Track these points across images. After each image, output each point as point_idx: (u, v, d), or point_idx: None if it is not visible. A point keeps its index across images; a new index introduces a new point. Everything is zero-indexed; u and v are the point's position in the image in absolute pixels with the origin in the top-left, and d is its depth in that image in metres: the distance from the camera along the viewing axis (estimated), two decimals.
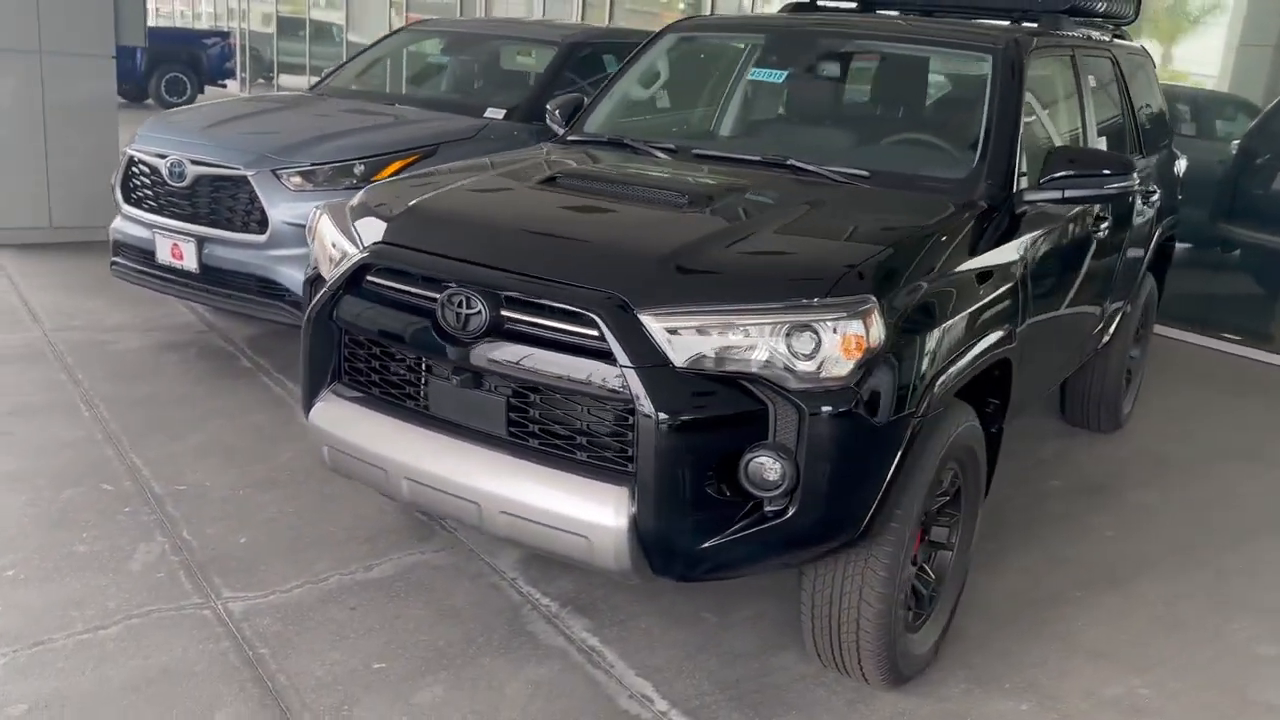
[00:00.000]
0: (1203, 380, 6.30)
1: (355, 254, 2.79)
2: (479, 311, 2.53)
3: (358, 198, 3.13)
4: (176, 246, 4.99)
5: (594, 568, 2.53)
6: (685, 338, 2.39)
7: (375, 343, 2.79)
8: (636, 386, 2.34)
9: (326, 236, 3.00)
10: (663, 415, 2.33)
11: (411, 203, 2.92)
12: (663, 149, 3.59)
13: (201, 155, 4.94)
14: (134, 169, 5.20)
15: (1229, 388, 6.18)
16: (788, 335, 2.39)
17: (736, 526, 2.44)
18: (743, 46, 4.06)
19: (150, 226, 5.09)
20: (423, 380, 2.72)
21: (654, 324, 2.39)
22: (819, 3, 4.59)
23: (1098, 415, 5.03)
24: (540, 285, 2.49)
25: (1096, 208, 3.91)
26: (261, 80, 20.45)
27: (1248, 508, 4.45)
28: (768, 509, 2.43)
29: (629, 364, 2.34)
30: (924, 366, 2.55)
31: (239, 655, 2.87)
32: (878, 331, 2.43)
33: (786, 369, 2.39)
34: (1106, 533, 4.09)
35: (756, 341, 2.39)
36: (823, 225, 2.89)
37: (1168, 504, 4.41)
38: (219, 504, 3.72)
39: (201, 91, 17.43)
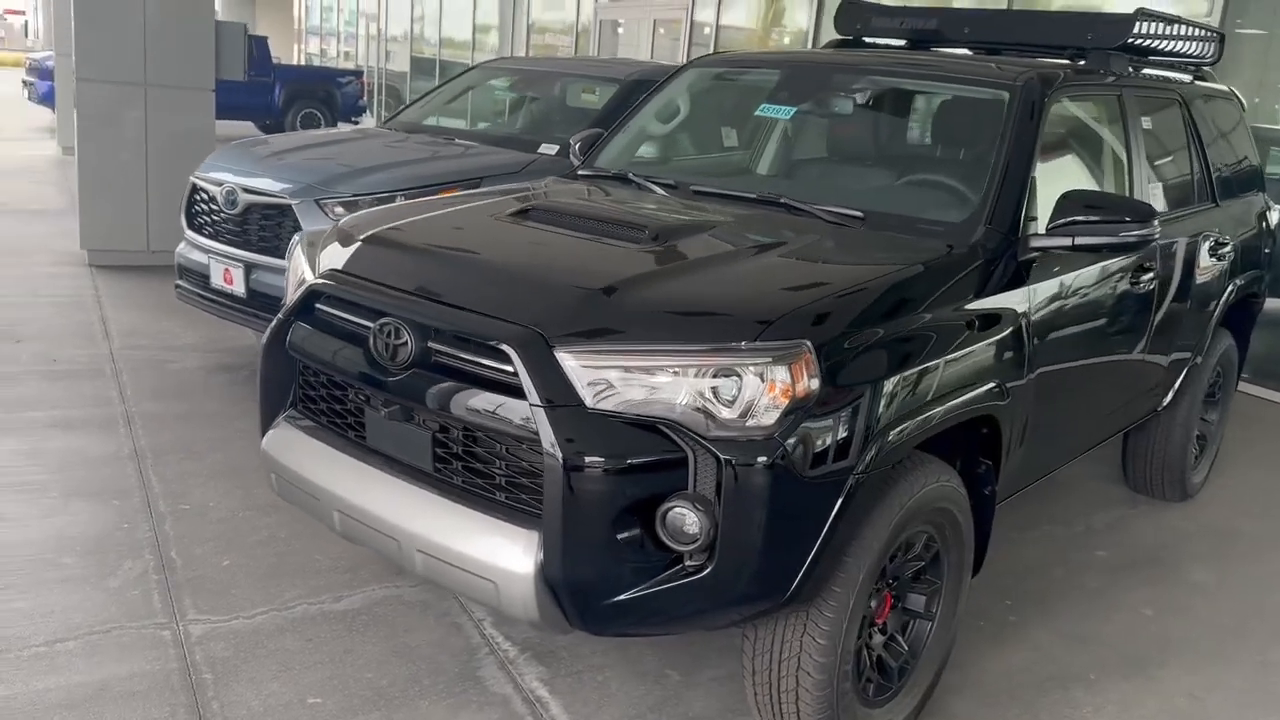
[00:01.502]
0: None
1: (308, 281, 2.78)
2: (405, 343, 2.47)
3: (333, 227, 3.12)
4: (228, 271, 5.13)
5: (507, 613, 2.42)
6: (602, 377, 2.27)
7: (321, 371, 2.76)
8: (544, 426, 2.23)
9: (297, 265, 3.00)
10: (569, 458, 2.21)
11: (368, 233, 2.89)
12: (662, 184, 3.49)
13: (253, 184, 5.08)
14: (196, 195, 5.38)
15: None
16: (711, 379, 2.25)
17: (653, 580, 2.29)
18: (759, 83, 3.93)
19: (207, 251, 5.25)
20: (361, 412, 2.67)
21: (570, 361, 2.28)
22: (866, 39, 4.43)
23: (1162, 482, 4.66)
24: (462, 316, 2.42)
25: (1138, 257, 3.63)
26: None
27: None
28: (688, 563, 2.28)
29: (538, 402, 2.24)
30: (869, 418, 2.36)
31: (181, 679, 2.86)
32: (809, 380, 2.26)
33: (708, 415, 2.24)
34: (1144, 611, 3.75)
35: (678, 385, 2.26)
36: (780, 267, 2.73)
37: (1224, 584, 4.02)
38: (215, 525, 3.75)
39: (335, 127, 18.15)
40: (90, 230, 7.50)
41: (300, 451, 2.78)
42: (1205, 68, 4.78)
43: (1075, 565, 4.07)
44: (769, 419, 2.23)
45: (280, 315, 2.81)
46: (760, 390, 2.24)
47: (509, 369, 2.31)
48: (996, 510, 3.06)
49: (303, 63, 28.75)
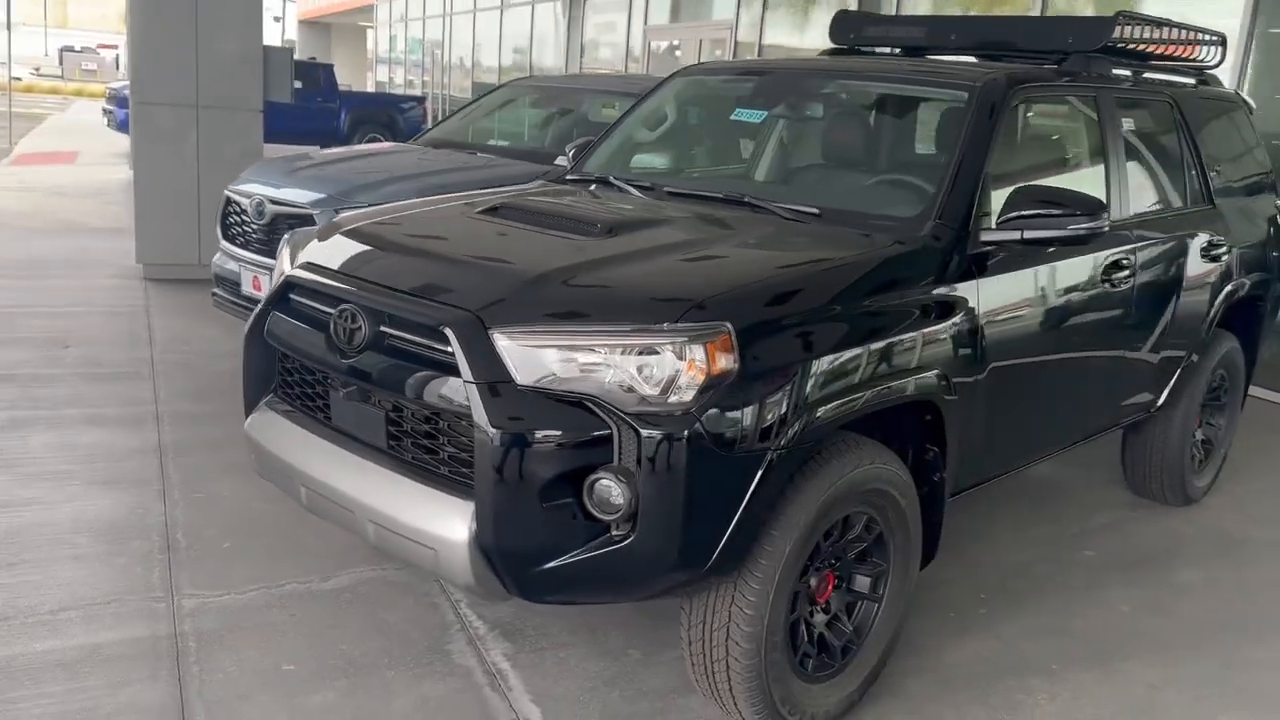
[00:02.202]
0: None
1: (284, 274, 2.98)
2: (360, 327, 2.65)
3: (320, 226, 3.33)
4: (256, 278, 5.39)
5: (448, 579, 2.57)
6: (532, 356, 2.42)
7: (293, 357, 2.95)
8: (475, 402, 2.38)
9: (281, 260, 3.21)
10: (498, 432, 2.36)
11: (342, 229, 3.09)
12: (639, 186, 3.64)
13: (279, 195, 5.35)
14: (229, 208, 5.67)
15: None
16: (635, 358, 2.39)
17: (581, 549, 2.43)
18: (740, 90, 4.06)
19: (238, 260, 5.53)
20: (327, 394, 2.85)
21: (504, 342, 2.43)
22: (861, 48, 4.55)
23: (1161, 486, 4.65)
24: (410, 301, 2.59)
25: (1111, 255, 3.67)
26: None
27: None
28: (614, 533, 2.41)
29: (471, 379, 2.40)
30: (790, 398, 2.47)
31: (168, 646, 3.06)
32: (727, 359, 2.39)
33: (631, 392, 2.38)
34: (1121, 608, 3.77)
35: (603, 363, 2.40)
36: (718, 257, 2.86)
37: (1211, 586, 4.01)
38: (223, 513, 3.97)
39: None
40: (145, 244, 7.89)
41: (276, 432, 2.97)
42: (1209, 71, 4.80)
43: (1060, 564, 4.09)
44: (687, 395, 2.36)
45: (259, 306, 3.01)
46: (679, 368, 2.37)
47: (449, 350, 2.47)
48: (960, 499, 3.13)
49: (373, 89, 29.54)
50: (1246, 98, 5.16)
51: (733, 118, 3.92)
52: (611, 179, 3.74)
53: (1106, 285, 3.67)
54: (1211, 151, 4.55)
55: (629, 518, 2.38)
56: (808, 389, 2.51)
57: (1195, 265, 4.22)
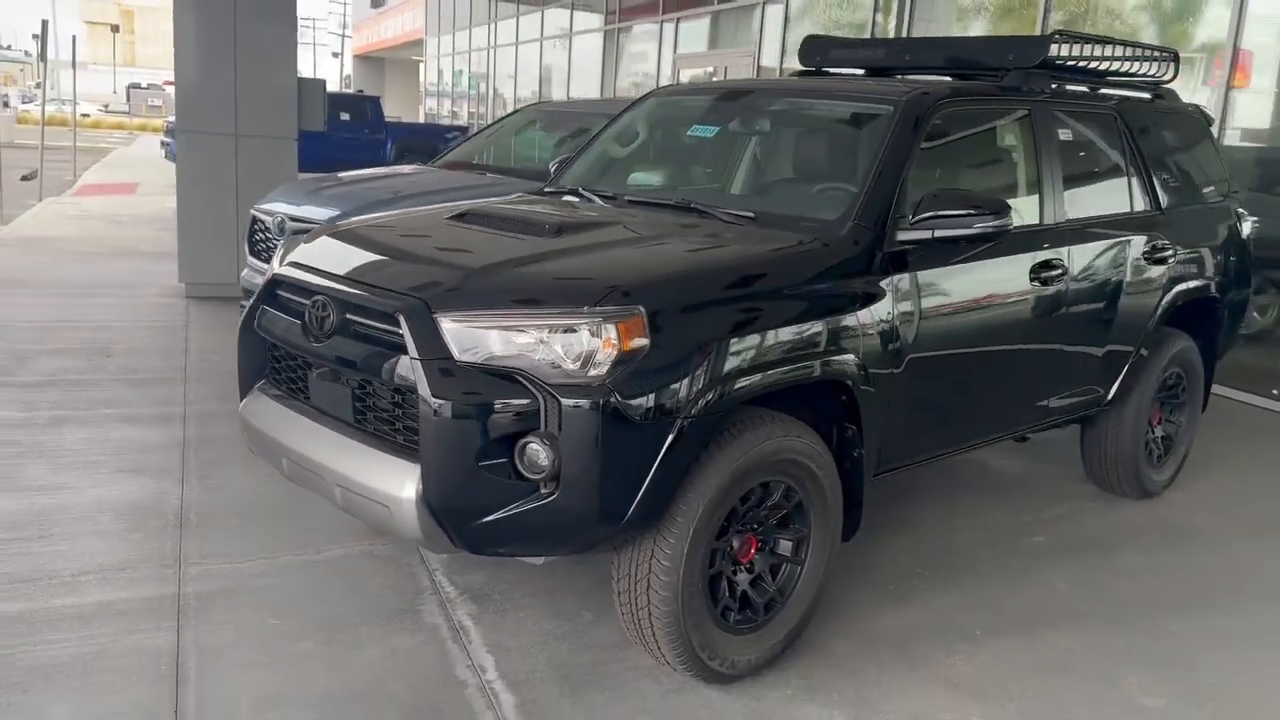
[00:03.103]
0: None
1: (271, 272, 3.38)
2: (329, 315, 3.04)
3: (313, 231, 3.73)
4: None
5: (402, 535, 2.92)
6: (471, 336, 2.78)
7: (278, 344, 3.35)
8: (420, 376, 2.75)
9: (274, 262, 3.61)
10: (438, 401, 2.72)
11: (326, 233, 3.49)
12: (603, 196, 4.01)
13: (298, 213, 5.80)
14: (256, 225, 6.14)
15: None
16: (557, 336, 2.74)
17: (514, 505, 2.77)
18: (700, 108, 4.42)
19: (263, 275, 5.98)
20: (306, 377, 3.24)
21: (447, 324, 2.79)
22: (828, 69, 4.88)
23: (1118, 478, 4.87)
24: (371, 292, 2.97)
25: (1042, 255, 3.95)
26: None
27: (1237, 577, 4.20)
28: (541, 490, 2.75)
29: (417, 356, 2.76)
30: (698, 373, 2.79)
31: (172, 604, 3.45)
32: (639, 338, 2.73)
33: (556, 367, 2.73)
34: (1058, 586, 4.02)
35: (532, 342, 2.75)
36: (647, 252, 3.21)
37: (1151, 570, 4.24)
38: (233, 496, 4.38)
39: None
40: (187, 265, 8.42)
41: (264, 413, 3.37)
42: (1164, 85, 5.06)
43: (1007, 548, 4.34)
44: (602, 369, 2.70)
45: (251, 301, 3.41)
46: (595, 345, 2.71)
47: (401, 332, 2.84)
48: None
49: (423, 120, 30.39)
50: (1205, 110, 5.39)
51: (689, 133, 4.28)
52: (580, 190, 4.11)
53: (1037, 284, 3.94)
54: (1161, 160, 4.80)
55: (554, 477, 2.72)
56: (715, 366, 2.84)
57: (1137, 266, 4.47)
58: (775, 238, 3.32)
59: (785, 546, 3.23)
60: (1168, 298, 4.66)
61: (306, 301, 3.14)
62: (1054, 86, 4.34)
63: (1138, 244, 4.47)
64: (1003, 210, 3.35)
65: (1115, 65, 4.59)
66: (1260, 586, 4.14)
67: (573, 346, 2.73)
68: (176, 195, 8.50)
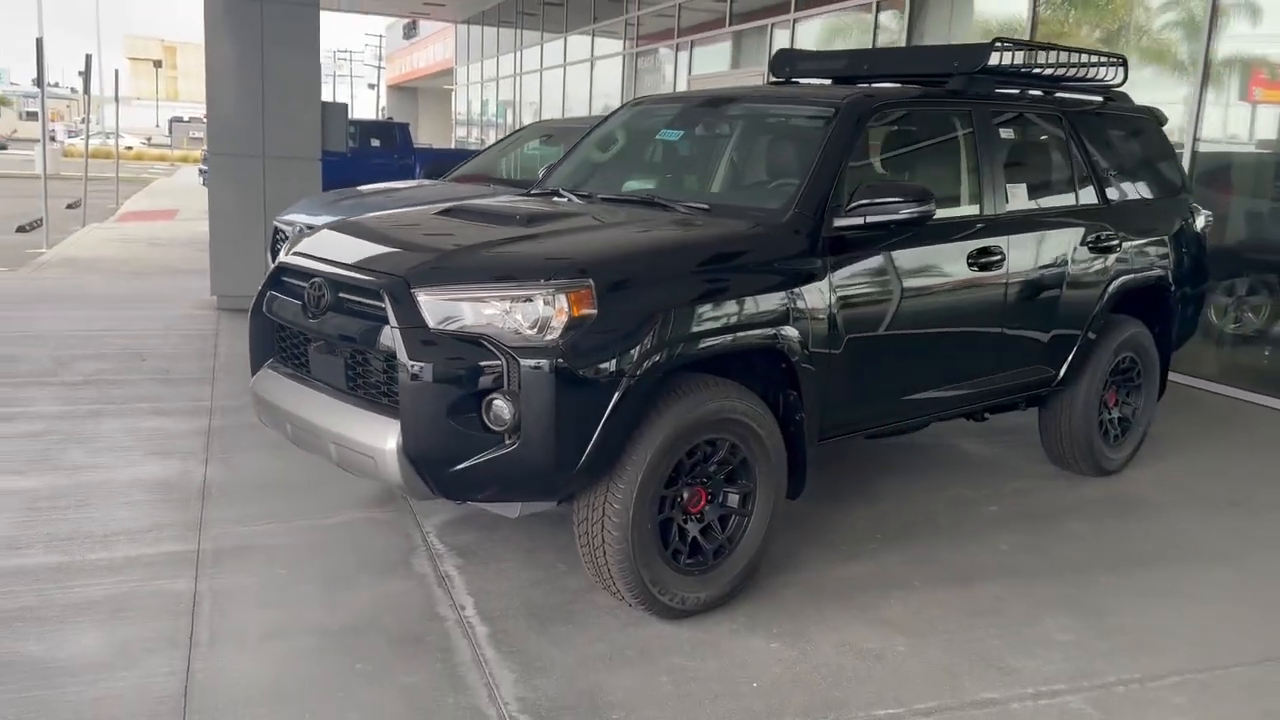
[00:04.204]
0: (1249, 439, 6.19)
1: (278, 262, 3.83)
2: (324, 295, 3.47)
3: (319, 226, 4.18)
4: None
5: (388, 482, 3.34)
6: (444, 307, 3.19)
7: (283, 325, 3.79)
8: (397, 341, 3.16)
9: (281, 254, 4.06)
10: (413, 363, 3.14)
11: (329, 227, 3.94)
12: (580, 195, 4.43)
13: (316, 223, 6.26)
14: (277, 236, 6.63)
15: (1265, 442, 6.08)
16: (517, 306, 3.15)
17: (482, 454, 3.17)
18: (670, 114, 4.84)
19: None
20: (307, 351, 3.68)
21: (424, 297, 3.21)
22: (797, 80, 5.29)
23: (1074, 457, 5.19)
24: (359, 273, 3.40)
25: (981, 243, 4.31)
26: None
27: (1172, 543, 4.51)
28: (506, 441, 3.16)
29: (396, 325, 3.18)
30: (642, 338, 3.17)
31: (193, 558, 3.89)
32: (587, 307, 3.13)
33: (515, 332, 3.14)
34: (1002, 547, 4.35)
35: (496, 311, 3.16)
36: (602, 236, 3.63)
37: (1095, 535, 4.55)
38: (252, 472, 4.82)
39: None
40: (219, 279, 8.95)
41: (271, 386, 3.81)
42: (1115, 89, 5.42)
43: (960, 516, 4.68)
44: (555, 334, 3.11)
45: (260, 287, 3.86)
46: (550, 313, 3.12)
47: (383, 305, 3.26)
48: (832, 443, 3.79)
49: (455, 146, 31.11)
50: (1158, 111, 5.73)
51: (657, 137, 4.70)
52: (560, 190, 4.54)
53: (975, 269, 4.30)
54: (1108, 158, 5.15)
55: (515, 429, 3.13)
56: (657, 333, 3.23)
57: (1080, 255, 4.81)
58: (722, 225, 3.72)
59: (733, 499, 3.61)
60: (1114, 285, 4.99)
61: (306, 284, 3.58)
62: (997, 90, 4.71)
63: (1080, 234, 4.81)
64: (926, 198, 3.72)
65: (1063, 70, 4.96)
66: (1190, 550, 4.44)
67: (530, 314, 3.14)
68: (209, 213, 9.04)
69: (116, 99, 21.06)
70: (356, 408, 3.40)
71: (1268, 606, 3.92)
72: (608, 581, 3.41)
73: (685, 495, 3.49)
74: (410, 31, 40.20)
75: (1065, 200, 4.90)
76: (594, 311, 3.15)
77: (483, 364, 3.14)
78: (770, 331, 3.54)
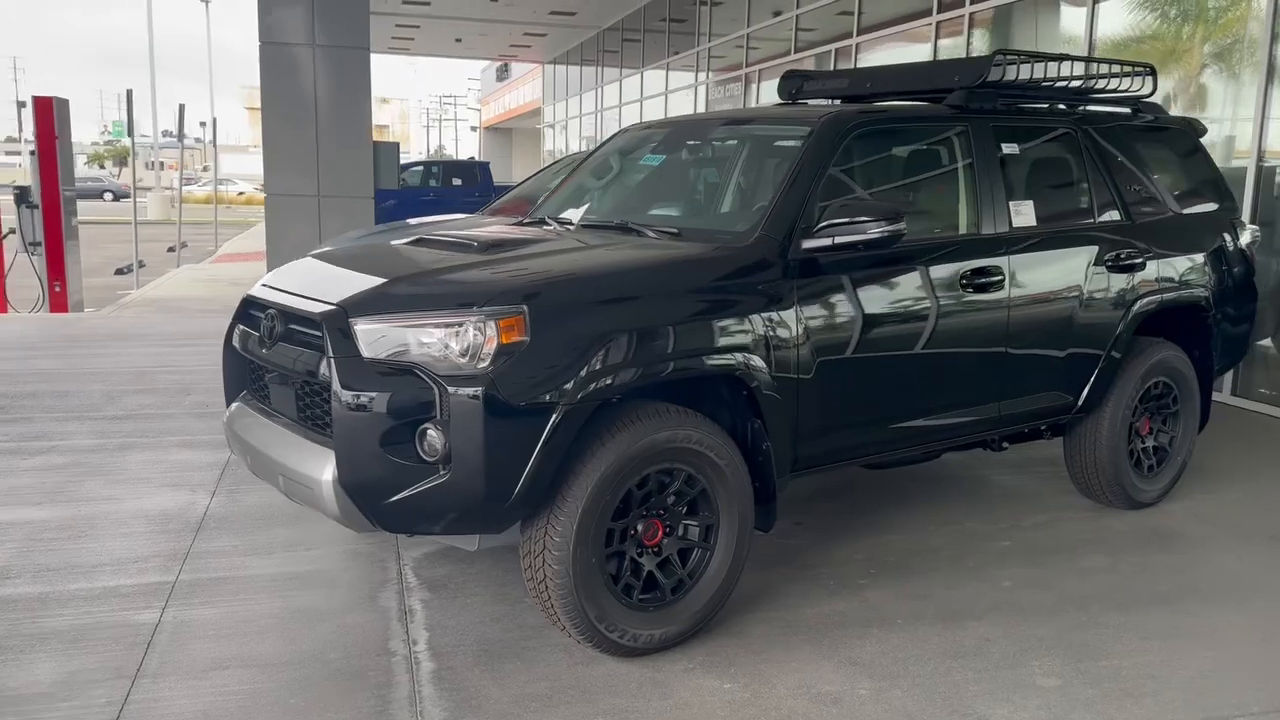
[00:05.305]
0: None
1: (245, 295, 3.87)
2: (275, 325, 3.48)
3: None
4: None
5: (327, 514, 3.30)
6: (379, 336, 3.16)
7: (247, 358, 3.81)
8: (330, 371, 3.14)
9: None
10: (346, 393, 3.11)
11: (304, 257, 3.96)
12: (561, 221, 4.38)
13: None
14: None
15: None
16: (450, 333, 3.10)
17: (415, 485, 3.12)
18: (657, 139, 4.75)
19: None
20: (267, 383, 3.69)
21: (359, 326, 3.19)
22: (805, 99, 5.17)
23: (1102, 488, 4.89)
24: (305, 303, 3.40)
25: (976, 264, 4.10)
26: None
27: (1199, 579, 4.19)
28: (440, 471, 3.09)
29: (330, 355, 3.16)
30: (578, 365, 3.08)
31: (169, 589, 3.92)
32: (519, 334, 3.06)
33: (447, 360, 3.08)
34: (1004, 584, 4.11)
35: (428, 339, 3.12)
36: (547, 262, 3.54)
37: (1111, 570, 4.27)
38: (251, 508, 4.84)
39: None
40: None
41: (240, 418, 3.83)
42: (1144, 99, 5.14)
43: (966, 549, 4.44)
44: (485, 361, 3.05)
45: (230, 320, 3.90)
46: (480, 340, 3.06)
47: (321, 335, 3.24)
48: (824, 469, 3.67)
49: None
50: (1196, 122, 5.42)
51: (640, 162, 4.62)
52: (546, 218, 4.49)
53: (970, 291, 4.09)
54: (1133, 172, 4.87)
55: (447, 459, 3.06)
56: (595, 360, 3.13)
57: (1097, 275, 4.54)
58: (682, 248, 3.61)
59: (694, 532, 3.47)
60: (1139, 306, 4.70)
61: (260, 315, 3.59)
62: (1002, 104, 4.50)
63: (1096, 253, 4.55)
64: (896, 217, 3.55)
65: (1079, 83, 4.72)
66: (1215, 588, 4.12)
67: (462, 342, 3.08)
68: (266, 253, 9.30)
69: (215, 144, 22.04)
70: (302, 438, 3.39)
71: None
72: (553, 617, 3.31)
73: (639, 527, 3.38)
74: (503, 74, 41.10)
75: (1081, 218, 4.64)
76: (526, 339, 3.07)
77: (416, 393, 3.09)
78: (727, 359, 3.41)
